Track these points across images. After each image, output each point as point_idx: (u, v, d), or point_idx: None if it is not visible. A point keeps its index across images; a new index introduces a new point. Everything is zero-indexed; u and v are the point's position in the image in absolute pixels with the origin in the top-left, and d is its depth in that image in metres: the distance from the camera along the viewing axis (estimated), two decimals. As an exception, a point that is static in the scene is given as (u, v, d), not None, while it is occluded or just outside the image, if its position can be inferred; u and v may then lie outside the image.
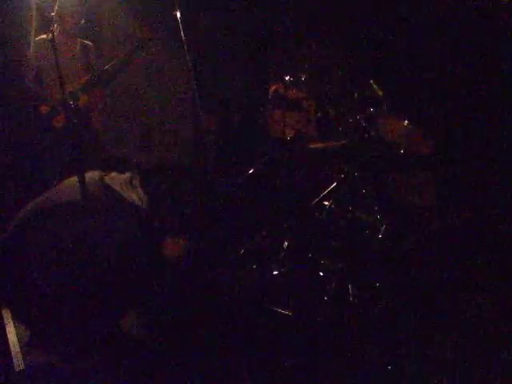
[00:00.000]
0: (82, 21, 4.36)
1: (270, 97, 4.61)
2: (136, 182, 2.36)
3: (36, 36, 4.33)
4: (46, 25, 4.26)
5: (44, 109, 4.29)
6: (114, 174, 2.33)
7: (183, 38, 3.16)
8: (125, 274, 2.24)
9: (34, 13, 4.34)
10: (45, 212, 2.22)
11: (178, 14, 3.28)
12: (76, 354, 2.27)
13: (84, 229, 2.14)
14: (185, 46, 3.21)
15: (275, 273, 3.72)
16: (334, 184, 3.99)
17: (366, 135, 3.98)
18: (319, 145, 4.07)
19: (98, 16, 5.23)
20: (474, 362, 2.87)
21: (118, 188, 2.27)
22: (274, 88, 4.61)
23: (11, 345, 2.38)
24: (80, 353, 2.27)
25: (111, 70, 4.48)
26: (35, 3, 4.29)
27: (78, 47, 4.45)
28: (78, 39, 4.47)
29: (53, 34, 3.17)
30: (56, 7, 4.20)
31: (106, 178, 2.32)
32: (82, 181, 2.08)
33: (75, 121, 3.24)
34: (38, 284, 2.17)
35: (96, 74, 4.43)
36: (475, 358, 2.90)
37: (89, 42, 4.53)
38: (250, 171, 4.50)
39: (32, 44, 4.33)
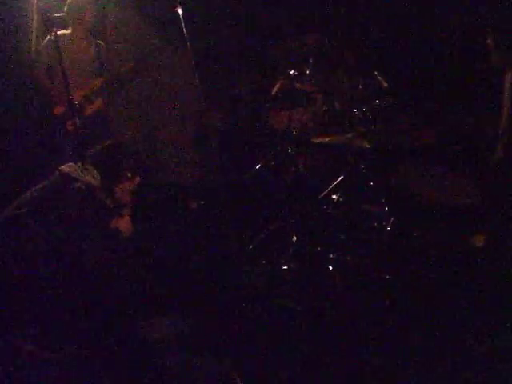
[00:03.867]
0: (95, 21, 4.33)
1: (275, 91, 4.60)
2: (89, 166, 2.61)
3: (50, 34, 4.31)
4: (51, 26, 4.30)
5: (58, 110, 4.26)
6: (71, 163, 2.62)
7: (185, 34, 3.16)
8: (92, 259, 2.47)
9: (39, 14, 4.34)
10: (16, 210, 2.50)
11: (180, 11, 3.29)
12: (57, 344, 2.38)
13: (50, 214, 2.46)
14: (188, 43, 3.21)
15: (284, 267, 3.72)
16: (341, 177, 3.97)
17: (373, 127, 3.96)
18: (325, 138, 4.05)
19: (112, 18, 5.18)
20: (475, 362, 2.87)
21: (74, 173, 2.55)
22: (279, 82, 4.60)
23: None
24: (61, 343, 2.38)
25: (125, 73, 4.43)
26: (41, 4, 4.30)
27: (92, 48, 4.41)
28: (92, 39, 4.43)
29: (56, 35, 3.17)
30: (66, 7, 4.20)
31: (63, 167, 2.61)
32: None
33: (79, 124, 3.22)
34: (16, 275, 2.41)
35: (110, 78, 4.37)
36: (476, 358, 2.89)
37: (102, 43, 4.49)
38: (257, 166, 4.50)
39: (43, 45, 4.31)
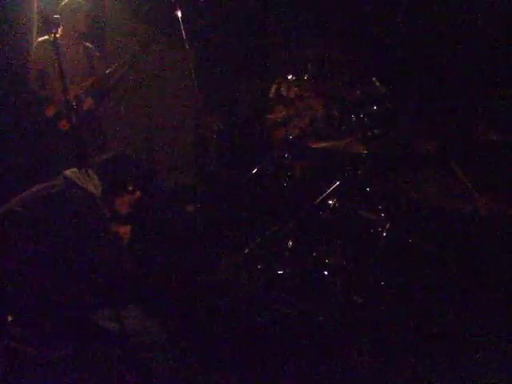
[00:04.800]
0: (84, 23, 4.36)
1: (272, 95, 4.60)
2: (92, 174, 2.62)
3: (38, 38, 4.33)
4: (48, 27, 4.28)
5: (49, 112, 4.30)
6: (74, 168, 2.62)
7: (184, 38, 3.16)
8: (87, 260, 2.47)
9: (36, 15, 4.35)
10: (15, 207, 2.52)
11: (179, 14, 3.29)
12: (51, 344, 2.39)
13: (47, 215, 2.47)
14: (186, 46, 3.22)
15: (279, 272, 3.72)
16: (338, 182, 3.97)
17: (369, 133, 3.97)
18: (322, 144, 4.06)
19: (100, 19, 5.22)
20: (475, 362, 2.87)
21: (77, 180, 2.56)
22: (276, 87, 4.60)
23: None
24: (54, 342, 2.40)
25: (115, 72, 4.48)
26: (38, 6, 4.31)
27: (81, 50, 4.45)
28: (81, 42, 4.47)
29: (55, 36, 3.17)
30: (58, 9, 4.22)
31: (67, 171, 2.61)
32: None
33: (77, 123, 3.23)
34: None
35: (100, 77, 4.43)
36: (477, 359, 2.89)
37: (90, 45, 4.53)
38: (254, 171, 4.50)
39: (35, 46, 4.34)
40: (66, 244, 2.43)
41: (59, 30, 4.30)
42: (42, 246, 2.41)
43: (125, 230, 2.80)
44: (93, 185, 2.59)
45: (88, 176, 2.60)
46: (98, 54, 4.59)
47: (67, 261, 2.42)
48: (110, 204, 2.67)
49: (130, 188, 2.72)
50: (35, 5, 4.35)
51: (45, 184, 2.62)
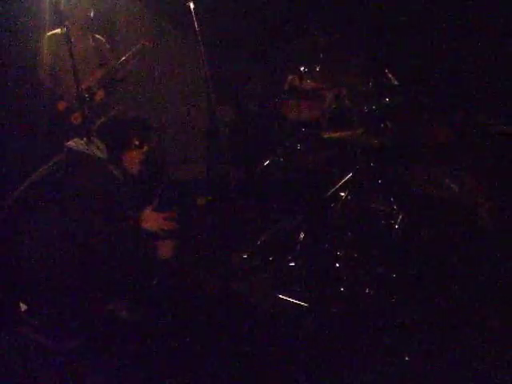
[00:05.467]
0: (92, 14, 4.34)
1: (285, 88, 4.59)
2: (94, 139, 2.60)
3: (49, 31, 4.32)
4: (58, 20, 4.27)
5: (61, 105, 4.30)
6: (76, 139, 2.61)
7: (197, 29, 3.14)
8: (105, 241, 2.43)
9: (46, 8, 4.34)
10: (27, 190, 2.51)
11: (192, 5, 3.27)
12: (65, 335, 2.38)
13: (59, 192, 2.43)
14: (199, 37, 3.19)
15: (291, 264, 3.71)
16: (350, 174, 3.96)
17: (382, 125, 3.95)
18: (335, 135, 4.04)
19: (109, 10, 5.21)
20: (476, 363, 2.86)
21: (80, 147, 2.54)
22: (289, 79, 4.59)
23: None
24: (69, 334, 2.39)
25: (125, 64, 4.48)
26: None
27: (91, 42, 4.44)
28: (90, 34, 4.46)
29: (67, 29, 3.16)
30: (67, 1, 4.20)
31: (69, 143, 2.59)
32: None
33: (89, 115, 3.22)
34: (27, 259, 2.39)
35: (111, 69, 4.43)
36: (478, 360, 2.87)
37: (100, 37, 4.52)
38: (266, 162, 4.49)
39: (45, 39, 4.33)
40: (80, 225, 2.39)
41: (69, 22, 4.32)
42: (57, 228, 2.38)
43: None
44: (97, 148, 2.55)
45: (90, 141, 2.57)
46: (108, 46, 4.58)
47: (83, 245, 2.38)
48: (118, 164, 2.62)
49: (137, 143, 2.67)
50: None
51: (50, 163, 2.58)
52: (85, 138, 2.57)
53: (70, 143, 2.59)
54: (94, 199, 2.43)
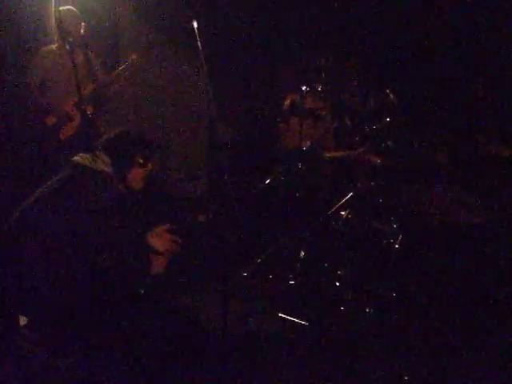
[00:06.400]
0: (82, 31, 4.35)
1: (286, 107, 4.61)
2: (101, 155, 2.63)
3: (39, 47, 4.34)
4: (49, 36, 4.31)
5: (50, 120, 4.29)
6: (81, 153, 2.63)
7: (200, 48, 3.17)
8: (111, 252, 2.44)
9: (37, 24, 4.38)
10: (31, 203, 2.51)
11: (195, 24, 3.29)
12: (65, 349, 2.39)
13: (64, 206, 2.45)
14: (202, 57, 3.22)
15: (291, 283, 3.71)
16: (351, 194, 3.97)
17: (383, 144, 3.97)
18: (336, 154, 4.06)
19: (99, 25, 5.20)
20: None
21: (86, 162, 2.57)
22: (290, 98, 4.61)
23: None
24: (69, 348, 2.39)
25: (115, 78, 4.49)
26: (38, 15, 4.33)
27: (81, 58, 4.42)
28: (80, 49, 4.44)
29: (70, 45, 3.20)
30: (56, 18, 4.22)
31: (75, 158, 2.61)
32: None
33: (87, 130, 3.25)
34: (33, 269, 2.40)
35: (100, 84, 4.42)
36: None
37: (89, 52, 4.51)
38: (267, 181, 4.50)
39: (39, 55, 4.34)
40: (83, 239, 2.40)
41: (58, 38, 4.35)
42: (60, 243, 2.38)
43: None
44: (102, 162, 2.59)
45: (96, 156, 2.60)
46: (98, 62, 4.57)
47: (85, 258, 2.39)
48: (123, 180, 2.66)
49: (141, 161, 2.71)
50: (40, 12, 4.37)
51: (56, 177, 2.59)
52: (90, 154, 2.60)
53: (76, 158, 2.61)
54: (100, 214, 2.45)
